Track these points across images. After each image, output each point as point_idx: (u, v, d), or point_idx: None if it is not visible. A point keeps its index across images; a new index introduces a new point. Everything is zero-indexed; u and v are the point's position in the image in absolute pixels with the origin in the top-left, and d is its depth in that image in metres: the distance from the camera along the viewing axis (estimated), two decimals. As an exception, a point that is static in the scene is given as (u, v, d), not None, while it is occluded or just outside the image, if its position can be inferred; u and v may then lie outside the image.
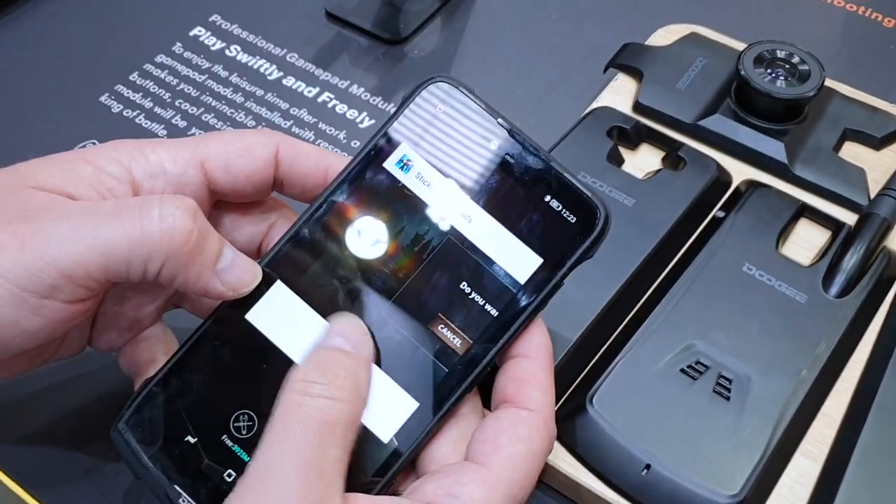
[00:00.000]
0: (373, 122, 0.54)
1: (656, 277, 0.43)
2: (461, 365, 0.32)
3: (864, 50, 0.59)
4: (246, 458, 0.32)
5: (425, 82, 0.34)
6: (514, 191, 0.33)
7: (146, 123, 0.53)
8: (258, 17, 0.60)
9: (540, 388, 0.32)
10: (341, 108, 0.55)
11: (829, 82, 0.50)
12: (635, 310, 0.42)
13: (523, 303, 0.32)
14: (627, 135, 0.49)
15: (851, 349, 0.41)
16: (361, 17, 0.59)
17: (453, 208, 0.33)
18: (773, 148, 0.48)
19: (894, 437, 0.38)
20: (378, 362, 0.32)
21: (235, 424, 0.32)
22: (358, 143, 0.53)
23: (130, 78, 0.56)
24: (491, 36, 0.59)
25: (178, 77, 0.56)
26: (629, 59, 0.53)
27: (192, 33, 0.59)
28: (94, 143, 0.50)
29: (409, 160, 0.34)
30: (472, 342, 0.32)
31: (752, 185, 0.47)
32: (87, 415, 0.40)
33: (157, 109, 0.54)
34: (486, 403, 0.34)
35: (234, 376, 0.33)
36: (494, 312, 0.32)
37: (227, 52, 0.58)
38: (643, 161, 0.49)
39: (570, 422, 0.38)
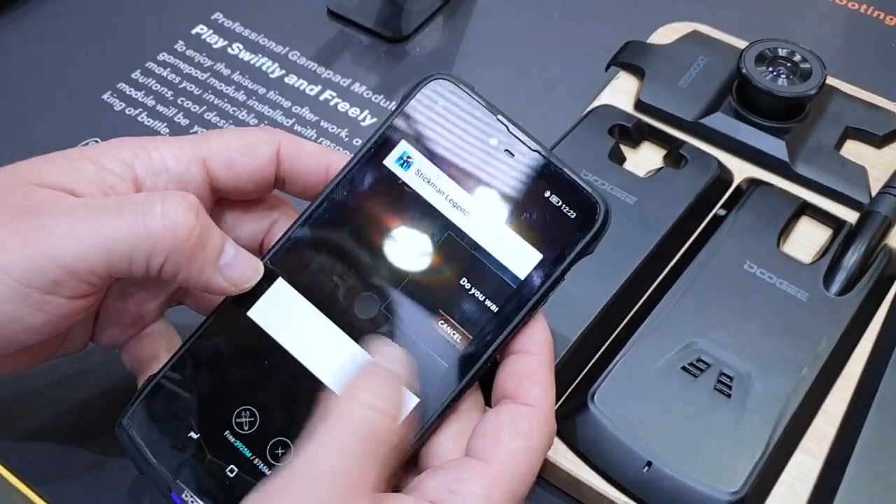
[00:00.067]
0: (374, 120, 0.54)
1: (657, 275, 0.43)
2: (462, 361, 0.32)
3: (866, 48, 0.59)
4: (248, 454, 0.32)
5: (425, 79, 0.34)
6: (514, 187, 0.33)
7: (148, 121, 0.53)
8: (260, 15, 0.60)
9: (540, 384, 0.32)
10: (343, 106, 0.55)
11: (830, 80, 0.50)
12: (636, 307, 0.42)
13: (524, 298, 0.32)
14: (629, 133, 0.49)
15: (852, 347, 0.41)
16: (363, 15, 0.59)
17: (453, 204, 0.33)
18: (775, 146, 0.48)
19: (895, 435, 0.38)
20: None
21: (238, 420, 0.32)
22: (360, 141, 0.53)
23: (132, 76, 0.56)
24: (492, 34, 0.60)
25: (181, 75, 0.56)
26: (631, 58, 0.53)
27: (194, 31, 0.59)
28: (96, 141, 0.50)
29: (409, 157, 0.34)
30: (472, 338, 0.32)
31: (754, 183, 0.47)
32: (90, 411, 0.40)
33: (160, 107, 0.54)
34: (487, 399, 0.34)
35: (236, 373, 0.33)
36: (495, 308, 0.32)
37: (229, 50, 0.58)
38: (644, 159, 0.49)
39: (571, 419, 0.38)
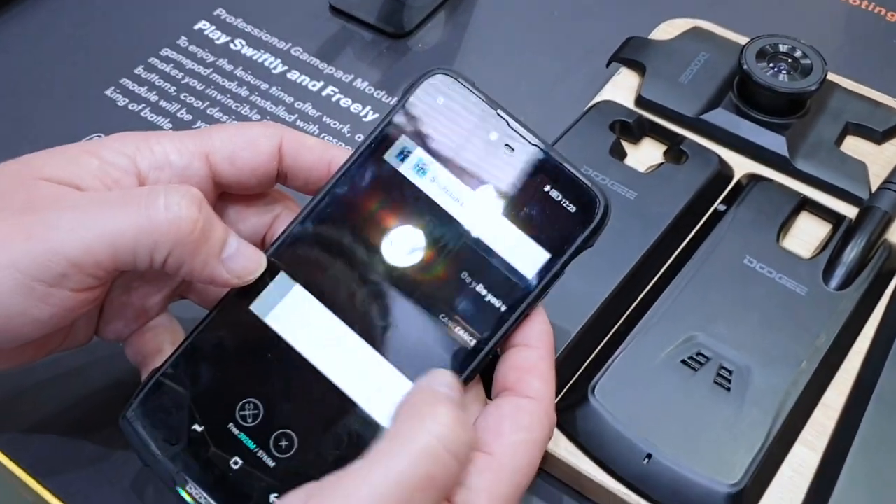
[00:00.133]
0: (376, 115, 0.54)
1: (658, 270, 0.44)
2: (463, 353, 0.32)
3: (867, 44, 0.59)
4: (252, 446, 0.32)
5: (426, 74, 0.35)
6: (514, 181, 0.33)
7: (152, 117, 0.54)
8: (263, 11, 0.60)
9: (541, 377, 0.32)
10: (345, 101, 0.55)
11: (831, 76, 0.50)
12: (637, 301, 0.42)
13: (524, 292, 0.33)
14: (630, 128, 0.49)
15: (851, 341, 0.41)
16: (365, 11, 0.60)
17: (454, 199, 0.33)
18: (775, 142, 0.48)
19: (893, 428, 0.38)
20: (382, 351, 0.33)
21: (241, 413, 0.32)
22: (362, 137, 0.53)
23: (135, 72, 0.56)
24: (494, 30, 0.60)
25: (184, 71, 0.56)
26: (632, 54, 0.53)
27: (196, 27, 0.59)
28: (99, 136, 0.51)
29: (410, 152, 0.34)
30: (473, 331, 0.33)
31: (754, 178, 0.47)
32: (95, 404, 0.41)
33: (163, 103, 0.54)
34: (488, 392, 0.34)
35: (239, 365, 0.33)
36: (495, 301, 0.33)
37: (231, 45, 0.58)
38: (645, 155, 0.49)
39: (572, 412, 0.38)
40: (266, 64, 0.57)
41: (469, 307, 0.33)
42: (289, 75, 0.56)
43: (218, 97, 0.55)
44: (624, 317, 0.42)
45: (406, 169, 0.34)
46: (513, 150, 0.34)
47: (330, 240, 0.34)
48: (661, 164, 0.48)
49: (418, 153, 0.34)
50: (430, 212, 0.34)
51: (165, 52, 0.57)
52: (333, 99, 0.55)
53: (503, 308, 0.33)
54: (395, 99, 0.55)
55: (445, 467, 0.28)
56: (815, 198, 0.47)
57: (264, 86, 0.56)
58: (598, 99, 0.51)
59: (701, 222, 0.46)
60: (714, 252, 0.43)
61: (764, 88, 0.47)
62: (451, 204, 0.34)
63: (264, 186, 0.36)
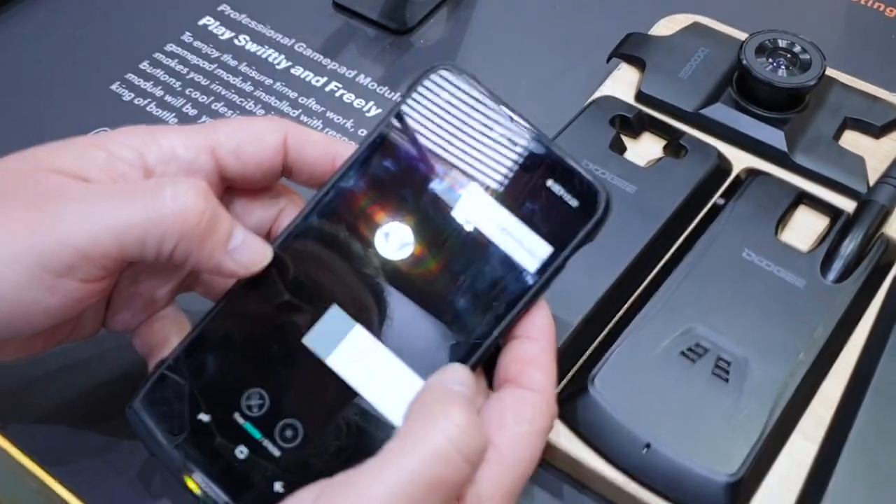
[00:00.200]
0: (379, 111, 0.55)
1: (657, 263, 0.44)
2: (465, 345, 0.33)
3: (866, 40, 0.60)
4: (258, 436, 0.32)
5: (429, 70, 0.35)
6: (517, 175, 0.34)
7: (157, 111, 0.54)
8: (266, 7, 0.61)
9: (542, 369, 0.33)
10: (349, 97, 0.56)
11: (829, 71, 0.51)
12: (636, 294, 0.43)
13: (526, 285, 0.33)
14: (630, 123, 0.50)
15: (849, 333, 0.42)
16: (368, 7, 0.60)
17: (457, 192, 0.34)
18: (774, 136, 0.48)
19: (890, 419, 0.39)
20: (385, 343, 0.33)
21: (247, 402, 0.33)
22: (365, 132, 0.53)
23: (141, 67, 0.56)
24: (496, 26, 0.60)
25: (188, 66, 0.57)
26: (632, 49, 0.53)
27: (201, 23, 0.60)
28: (105, 131, 0.51)
29: (413, 146, 0.34)
30: (475, 323, 0.33)
31: (753, 172, 0.48)
32: (102, 395, 0.41)
33: (168, 98, 0.55)
34: (491, 384, 0.34)
35: (245, 356, 0.34)
36: (498, 294, 0.33)
37: (235, 41, 0.59)
38: (645, 149, 0.49)
39: (572, 402, 0.39)
40: (270, 59, 0.57)
41: (472, 300, 0.33)
42: (292, 71, 0.57)
43: (222, 92, 0.55)
44: (623, 309, 0.42)
45: (409, 163, 0.34)
46: (515, 144, 0.34)
47: (335, 233, 0.34)
48: (661, 158, 0.48)
49: (421, 148, 0.34)
50: (433, 206, 0.34)
51: (170, 47, 0.58)
52: (337, 94, 0.56)
53: (506, 301, 0.33)
54: (398, 94, 0.56)
55: (457, 470, 0.28)
56: (814, 192, 0.47)
57: (268, 81, 0.56)
58: (598, 94, 0.52)
59: (700, 216, 0.46)
60: (713, 245, 0.44)
61: (763, 83, 0.48)
62: (455, 198, 0.34)
63: (269, 180, 0.36)
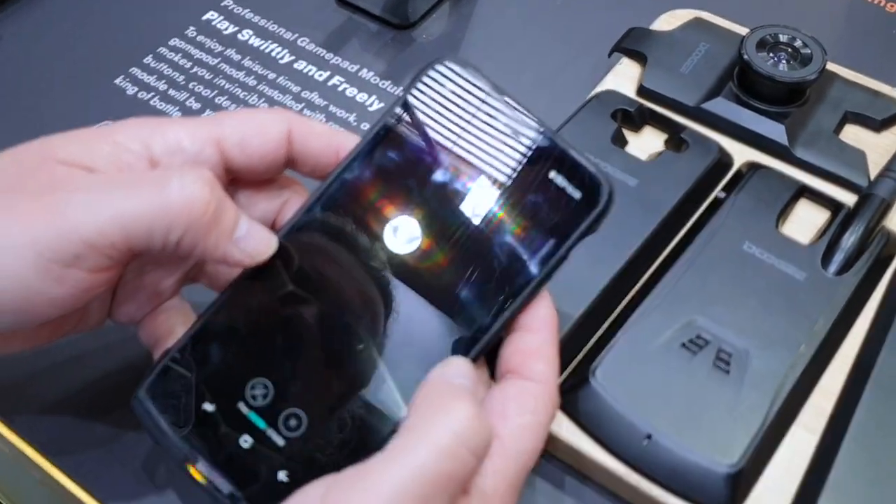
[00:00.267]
0: (382, 105, 0.55)
1: (658, 255, 0.44)
2: (468, 337, 0.33)
3: (867, 34, 0.60)
4: (262, 425, 0.33)
5: (433, 62, 0.35)
6: (520, 167, 0.34)
7: (160, 105, 0.54)
8: (270, 1, 0.61)
9: (545, 360, 0.33)
10: (351, 91, 0.56)
11: (830, 66, 0.51)
12: (638, 286, 0.43)
13: (529, 276, 0.33)
14: (631, 117, 0.50)
15: (849, 325, 0.42)
16: (371, 2, 0.60)
17: (459, 183, 0.34)
18: (775, 130, 0.48)
19: (890, 411, 0.39)
20: (389, 333, 0.33)
21: (252, 392, 0.33)
22: (367, 126, 0.54)
23: (145, 61, 0.57)
24: (498, 21, 0.60)
25: (192, 60, 0.57)
26: (633, 44, 0.53)
27: (204, 17, 0.60)
28: (109, 124, 0.51)
29: (417, 138, 0.35)
30: (478, 315, 0.33)
31: (754, 166, 0.48)
32: (107, 386, 0.41)
33: (171, 92, 0.55)
34: (493, 375, 0.35)
35: (250, 346, 0.34)
36: (501, 286, 0.33)
37: (239, 36, 0.59)
38: (646, 143, 0.50)
39: (573, 393, 0.39)
40: (273, 54, 0.58)
41: (475, 291, 0.33)
42: (295, 65, 0.57)
43: (226, 86, 0.55)
44: (625, 301, 0.42)
45: (413, 155, 0.35)
46: (518, 136, 0.34)
47: (339, 224, 0.35)
48: (662, 152, 0.48)
49: (425, 139, 0.35)
50: (436, 197, 0.34)
51: (174, 41, 0.58)
52: (339, 88, 0.56)
53: (508, 292, 0.33)
54: (400, 89, 0.56)
55: (464, 464, 0.29)
56: (815, 185, 0.47)
57: (271, 75, 0.56)
58: (600, 88, 0.52)
59: (701, 209, 0.46)
60: (714, 238, 0.44)
61: (764, 78, 0.48)
62: (458, 189, 0.34)
63: (273, 172, 0.36)
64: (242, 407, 0.33)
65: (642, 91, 0.51)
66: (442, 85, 0.35)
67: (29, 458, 0.40)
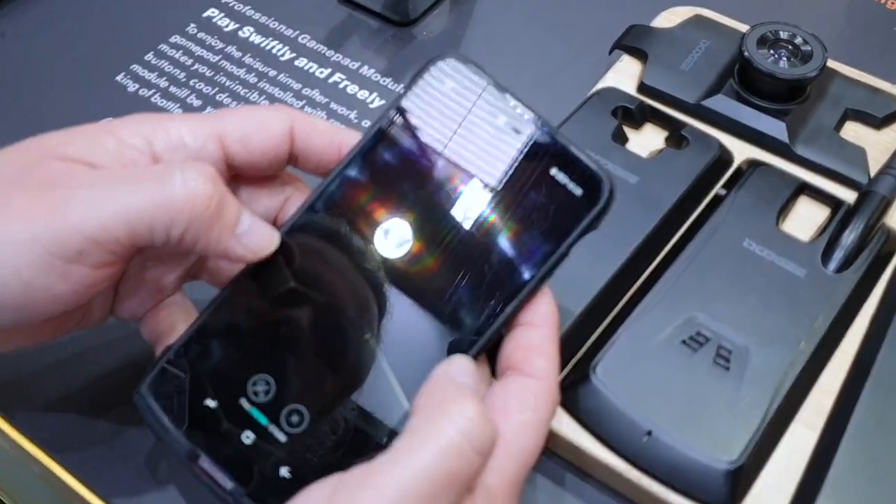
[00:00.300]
0: (383, 102, 0.55)
1: (659, 252, 0.44)
2: (469, 334, 0.33)
3: (867, 31, 0.60)
4: (264, 421, 0.33)
5: (435, 58, 0.35)
6: (521, 163, 0.34)
7: (161, 102, 0.54)
8: (270, -2, 0.61)
9: (546, 357, 0.33)
10: (352, 88, 0.56)
11: (830, 63, 0.51)
12: (638, 283, 0.43)
13: (530, 273, 0.33)
14: (632, 114, 0.50)
15: (849, 323, 0.42)
16: (372, -1, 0.60)
17: (461, 181, 0.34)
18: (775, 127, 0.49)
19: (889, 408, 0.39)
20: (391, 329, 0.33)
21: (253, 388, 0.33)
22: (368, 123, 0.54)
23: (146, 58, 0.57)
24: (499, 18, 0.60)
25: (193, 57, 0.57)
26: (634, 41, 0.54)
27: (205, 14, 0.60)
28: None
29: (418, 135, 0.35)
30: (480, 311, 0.33)
31: (754, 163, 0.48)
32: (109, 383, 0.41)
33: (173, 89, 0.55)
34: (494, 371, 0.35)
35: (251, 342, 0.34)
36: (502, 282, 0.33)
37: (240, 33, 0.59)
38: (647, 140, 0.50)
39: (574, 390, 0.39)
40: (274, 51, 0.58)
41: (477, 288, 0.33)
42: (296, 62, 0.57)
43: (227, 83, 0.55)
44: (626, 298, 0.43)
45: (414, 151, 0.35)
46: (520, 133, 0.34)
47: (341, 221, 0.35)
48: (663, 149, 0.49)
49: (427, 136, 0.35)
50: (438, 193, 0.34)
51: (175, 38, 0.58)
52: (340, 86, 0.56)
53: (510, 289, 0.33)
54: (401, 86, 0.56)
55: (470, 463, 0.29)
56: (815, 183, 0.47)
57: (272, 72, 0.56)
58: (600, 85, 0.52)
59: (701, 206, 0.46)
60: (714, 235, 0.44)
61: (764, 75, 0.48)
62: (459, 185, 0.34)
63: (275, 169, 0.36)
64: (244, 403, 0.33)
65: (643, 88, 0.51)
66: (443, 81, 0.35)
67: (30, 454, 0.40)
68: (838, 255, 0.43)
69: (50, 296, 0.31)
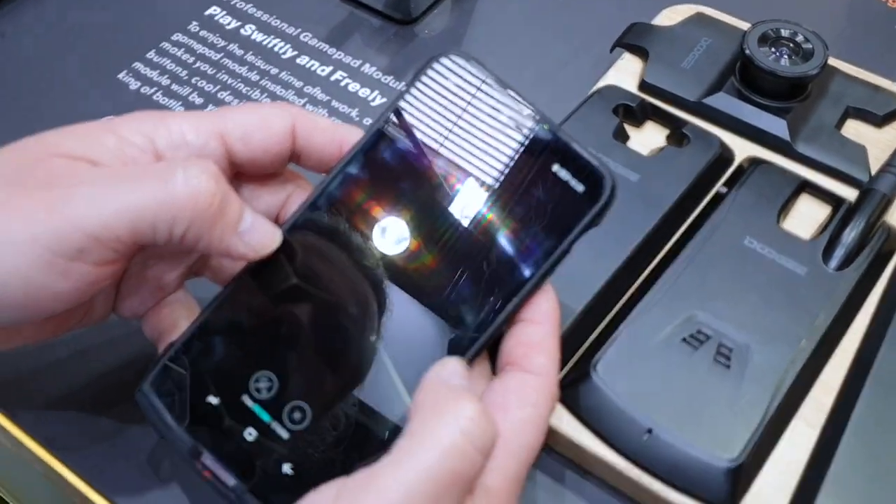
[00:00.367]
0: (384, 100, 0.55)
1: (660, 250, 0.44)
2: (470, 330, 0.33)
3: (868, 30, 0.60)
4: (266, 418, 0.33)
5: (437, 55, 0.35)
6: (523, 160, 0.34)
7: (164, 100, 0.54)
8: (272, -3, 0.61)
9: (546, 353, 0.33)
10: (354, 86, 0.56)
11: (832, 61, 0.51)
12: (639, 281, 0.43)
13: (532, 269, 0.33)
14: (633, 112, 0.50)
15: (849, 320, 0.42)
16: (373, -3, 0.60)
17: (463, 176, 0.34)
18: (776, 125, 0.49)
19: (889, 406, 0.39)
20: (392, 326, 0.34)
21: (256, 385, 0.33)
22: (370, 121, 0.54)
23: (148, 56, 0.57)
24: (500, 16, 0.60)
25: (195, 55, 0.57)
26: (635, 39, 0.54)
27: (207, 12, 0.60)
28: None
29: (420, 131, 0.35)
30: (481, 308, 0.33)
31: (755, 161, 0.48)
32: (110, 381, 0.41)
33: (175, 86, 0.55)
34: (493, 365, 0.35)
35: (254, 339, 0.34)
36: (504, 279, 0.33)
37: (242, 31, 0.59)
38: (648, 138, 0.50)
39: (574, 388, 0.39)
40: (276, 49, 0.58)
41: (479, 284, 0.33)
42: (298, 60, 0.57)
43: (229, 81, 0.55)
44: (626, 296, 0.43)
45: (416, 148, 0.35)
46: (522, 129, 0.34)
47: (342, 217, 0.35)
48: (664, 147, 0.49)
49: (428, 133, 0.35)
50: (439, 190, 0.34)
51: (177, 36, 0.58)
52: (342, 84, 0.56)
53: (511, 285, 0.33)
54: (403, 84, 0.56)
55: (472, 463, 0.29)
56: (816, 181, 0.47)
57: (274, 70, 0.56)
58: (601, 83, 0.52)
59: (702, 204, 0.46)
60: (715, 233, 0.44)
61: (765, 73, 0.48)
62: (461, 182, 0.34)
63: (277, 166, 0.36)
64: (247, 400, 0.33)
65: (644, 86, 0.51)
66: (446, 78, 0.35)
67: (32, 452, 0.40)
68: (839, 253, 0.43)
69: (51, 294, 0.31)
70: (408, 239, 0.34)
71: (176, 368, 0.34)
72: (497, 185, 0.34)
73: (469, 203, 0.34)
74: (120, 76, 0.56)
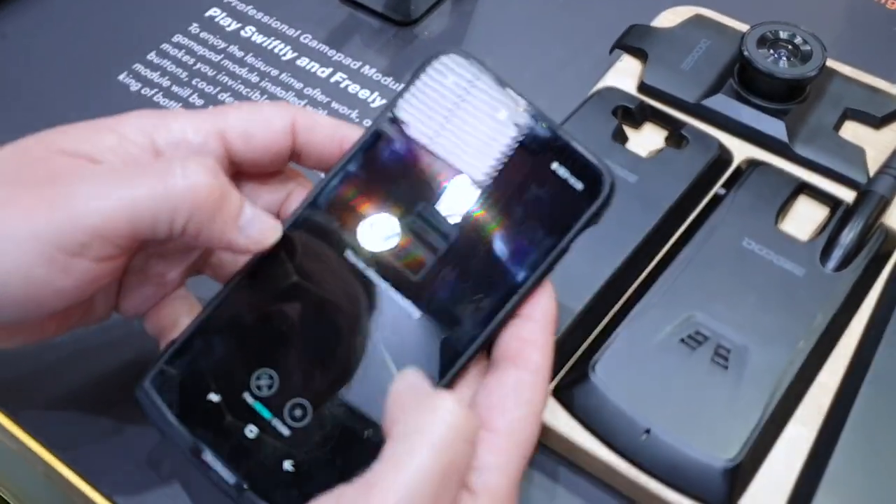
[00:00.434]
0: (384, 101, 0.55)
1: (658, 251, 0.44)
2: (469, 328, 0.33)
3: (866, 31, 0.60)
4: (267, 415, 0.33)
5: (436, 54, 0.35)
6: (522, 158, 0.34)
7: (164, 101, 0.54)
8: (272, -2, 0.61)
9: (541, 350, 0.33)
10: (353, 87, 0.56)
11: (830, 63, 0.51)
12: (637, 282, 0.43)
13: (531, 267, 0.33)
14: (632, 114, 0.50)
15: (847, 321, 0.42)
16: (373, -2, 0.61)
17: (463, 175, 0.34)
18: (775, 127, 0.49)
19: (887, 406, 0.39)
20: (391, 324, 0.34)
21: (256, 382, 0.33)
22: (370, 122, 0.54)
23: (148, 57, 0.57)
24: (499, 17, 0.61)
25: (195, 57, 0.57)
26: (634, 41, 0.54)
27: (207, 14, 0.60)
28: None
29: (420, 129, 0.35)
30: (479, 306, 0.33)
31: (753, 163, 0.48)
32: (111, 380, 0.41)
33: (175, 88, 0.55)
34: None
35: (254, 336, 0.34)
36: (502, 277, 0.33)
37: (242, 32, 0.59)
38: (647, 140, 0.50)
39: (572, 388, 0.39)
40: (276, 50, 0.58)
41: (475, 282, 0.33)
42: (298, 62, 0.57)
43: (229, 83, 0.56)
44: (625, 297, 0.43)
45: (416, 146, 0.35)
46: (521, 127, 0.34)
47: (343, 215, 0.35)
48: (662, 148, 0.49)
49: (428, 130, 0.35)
50: (438, 188, 0.34)
51: (177, 38, 0.58)
52: (342, 85, 0.56)
53: (510, 283, 0.33)
54: (402, 85, 0.56)
55: (463, 453, 0.29)
56: (814, 182, 0.47)
57: (274, 72, 0.57)
58: (600, 85, 0.52)
59: (701, 205, 0.46)
60: (713, 234, 0.44)
61: (764, 74, 0.48)
62: (460, 180, 0.34)
63: (277, 165, 0.37)
64: (248, 397, 0.33)
65: (643, 88, 0.51)
66: (445, 76, 0.35)
67: (34, 452, 0.40)
68: (837, 255, 0.43)
69: (52, 291, 0.31)
70: (407, 236, 0.34)
71: (176, 366, 0.34)
72: (496, 182, 0.34)
73: (468, 200, 0.34)
74: (120, 77, 0.56)
